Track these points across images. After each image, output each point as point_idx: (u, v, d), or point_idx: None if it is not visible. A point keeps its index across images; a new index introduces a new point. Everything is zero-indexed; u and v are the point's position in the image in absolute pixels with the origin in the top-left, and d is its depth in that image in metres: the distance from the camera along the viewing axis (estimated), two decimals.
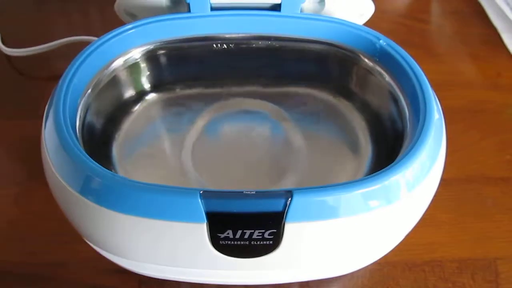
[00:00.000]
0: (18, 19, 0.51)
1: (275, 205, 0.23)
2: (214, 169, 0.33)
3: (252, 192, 0.23)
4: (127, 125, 0.34)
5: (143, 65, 0.34)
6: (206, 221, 0.23)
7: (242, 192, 0.23)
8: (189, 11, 0.32)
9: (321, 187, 0.24)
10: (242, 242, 0.24)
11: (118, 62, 0.32)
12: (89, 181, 0.24)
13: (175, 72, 0.36)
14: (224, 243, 0.24)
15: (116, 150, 0.33)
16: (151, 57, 0.34)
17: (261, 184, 0.32)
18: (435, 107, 0.28)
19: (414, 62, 0.30)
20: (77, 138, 0.26)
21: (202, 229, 0.24)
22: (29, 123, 0.37)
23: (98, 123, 0.32)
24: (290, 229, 0.24)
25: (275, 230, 0.24)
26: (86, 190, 0.24)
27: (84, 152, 0.25)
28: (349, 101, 0.36)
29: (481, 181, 0.38)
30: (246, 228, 0.24)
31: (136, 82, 0.35)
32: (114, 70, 0.32)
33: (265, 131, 0.35)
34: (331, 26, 0.33)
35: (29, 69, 0.47)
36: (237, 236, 0.24)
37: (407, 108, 0.29)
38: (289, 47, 0.34)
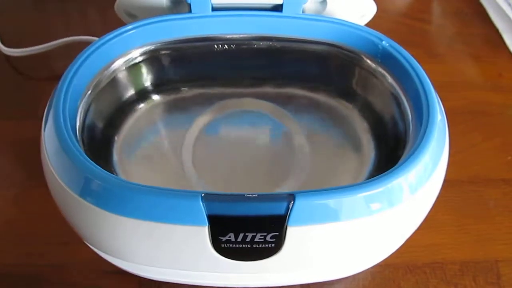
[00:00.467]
0: (17, 19, 0.51)
1: (278, 208, 0.23)
2: (215, 171, 0.33)
3: (254, 195, 0.23)
4: (128, 126, 0.34)
5: (143, 65, 0.34)
6: (207, 224, 0.23)
7: (244, 195, 0.23)
8: (190, 11, 0.32)
9: (324, 190, 0.23)
10: (244, 245, 0.24)
11: (119, 63, 0.32)
12: (89, 184, 0.24)
13: (176, 72, 0.36)
14: (225, 246, 0.24)
15: (116, 151, 0.33)
16: (151, 57, 0.34)
17: (262, 186, 0.32)
18: (438, 109, 0.28)
19: (417, 64, 0.30)
20: (77, 140, 0.26)
21: (203, 232, 0.24)
22: (29, 123, 0.37)
23: (98, 124, 0.32)
24: (293, 232, 0.24)
25: (277, 233, 0.24)
26: (86, 192, 0.24)
27: (84, 154, 0.25)
28: (351, 102, 0.35)
29: (482, 183, 0.38)
30: (248, 231, 0.24)
31: (137, 83, 0.35)
32: (115, 71, 0.32)
33: (266, 132, 0.35)
34: (333, 27, 0.33)
35: (28, 69, 0.46)
36: (239, 239, 0.24)
37: (410, 110, 0.29)
38: (290, 48, 0.34)
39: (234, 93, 0.36)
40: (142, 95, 0.35)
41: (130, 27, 0.32)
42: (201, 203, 0.23)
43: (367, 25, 0.37)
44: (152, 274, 0.29)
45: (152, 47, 0.33)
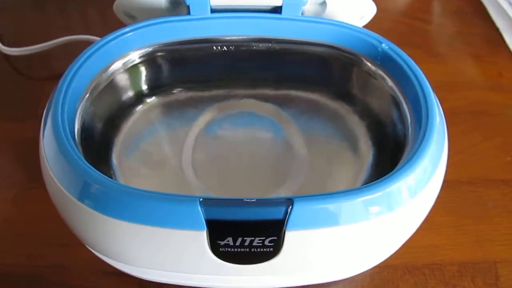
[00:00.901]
0: (17, 18, 0.51)
1: (276, 213, 0.23)
2: (214, 173, 0.33)
3: (253, 200, 0.23)
4: (127, 128, 0.34)
5: (142, 67, 0.34)
6: (206, 229, 0.23)
7: (243, 199, 0.23)
8: (188, 13, 0.32)
9: (322, 195, 0.23)
10: (242, 249, 0.24)
11: (117, 65, 0.32)
12: (88, 188, 0.24)
13: (175, 74, 0.35)
14: (224, 250, 0.24)
15: (115, 153, 0.33)
16: (150, 59, 0.34)
17: (261, 188, 0.32)
18: (437, 112, 0.28)
19: (416, 67, 0.30)
20: (75, 143, 0.26)
21: (202, 237, 0.24)
22: (28, 123, 0.37)
23: (97, 126, 0.32)
24: (291, 236, 0.24)
25: (275, 238, 0.24)
26: (84, 196, 0.24)
27: (82, 158, 0.25)
28: (350, 105, 0.35)
29: (481, 183, 0.38)
30: (246, 236, 0.24)
31: (135, 85, 0.35)
32: (113, 73, 0.32)
33: (265, 135, 0.35)
34: (333, 29, 0.32)
35: (28, 68, 0.46)
36: (238, 243, 0.24)
37: (409, 112, 0.29)
38: (290, 50, 0.34)
39: (233, 94, 0.36)
40: (141, 97, 0.35)
41: (128, 29, 0.31)
42: (199, 208, 0.23)
43: (367, 24, 0.37)
44: (151, 276, 0.29)
45: (150, 49, 0.33)
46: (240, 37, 0.33)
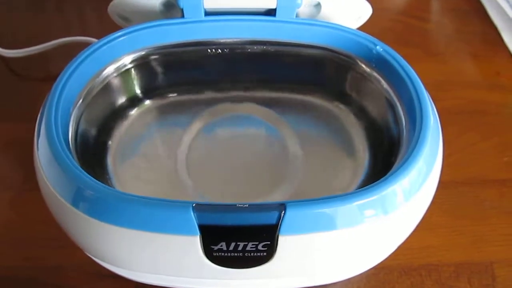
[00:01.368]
0: (13, 20, 0.51)
1: (269, 218, 0.23)
2: (209, 176, 0.33)
3: (245, 205, 0.23)
4: (121, 132, 0.34)
5: (135, 71, 0.34)
6: (199, 234, 0.23)
7: (235, 205, 0.23)
8: (182, 16, 0.32)
9: (315, 199, 0.23)
10: (235, 254, 0.24)
11: (110, 69, 0.32)
12: (81, 193, 0.24)
13: (169, 78, 0.35)
14: (217, 254, 0.24)
15: (110, 157, 0.33)
16: (143, 63, 0.34)
17: (256, 192, 0.32)
18: (431, 114, 0.27)
19: (411, 69, 0.30)
20: (69, 148, 0.26)
21: (195, 242, 0.24)
22: (25, 125, 0.36)
23: (91, 131, 0.32)
24: (284, 241, 0.24)
25: (269, 243, 0.24)
26: (78, 201, 0.24)
27: (76, 164, 0.25)
28: (345, 107, 0.35)
29: (478, 184, 0.38)
30: (239, 241, 0.24)
31: (129, 89, 0.35)
32: (107, 77, 0.32)
33: (260, 137, 0.35)
34: (327, 31, 0.32)
35: (24, 70, 0.46)
36: (231, 248, 0.24)
37: (404, 114, 0.29)
38: (284, 52, 0.34)
39: (228, 97, 0.36)
40: (135, 100, 0.35)
41: (121, 33, 0.31)
42: (192, 213, 0.23)
43: (365, 23, 0.37)
44: (147, 280, 0.29)
45: (144, 52, 0.33)
46: (235, 40, 0.33)
